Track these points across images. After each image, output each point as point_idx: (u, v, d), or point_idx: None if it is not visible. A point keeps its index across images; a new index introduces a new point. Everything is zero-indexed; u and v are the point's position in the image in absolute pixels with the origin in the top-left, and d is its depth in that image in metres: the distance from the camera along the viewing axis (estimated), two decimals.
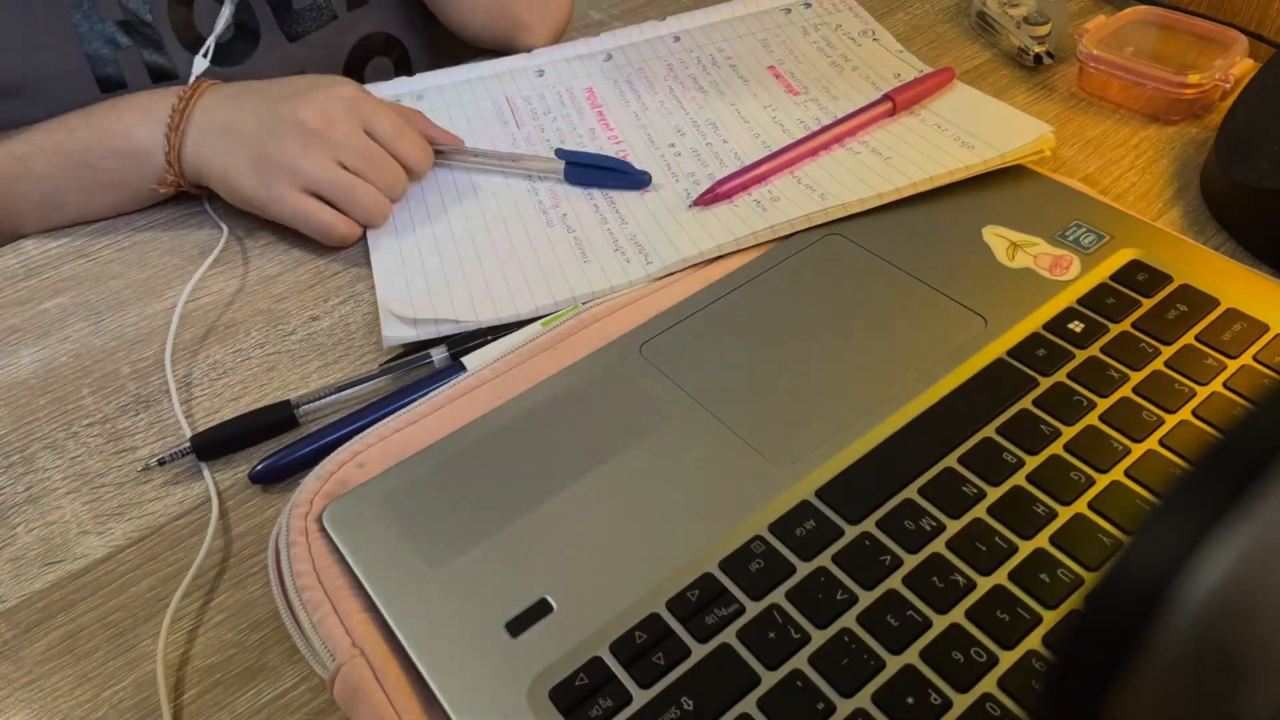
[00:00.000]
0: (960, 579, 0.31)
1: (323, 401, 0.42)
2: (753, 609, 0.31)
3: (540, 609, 0.31)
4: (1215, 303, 0.39)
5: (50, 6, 0.52)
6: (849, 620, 0.30)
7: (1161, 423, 0.35)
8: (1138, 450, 0.34)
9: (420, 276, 0.47)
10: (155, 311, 0.48)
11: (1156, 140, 0.53)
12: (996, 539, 0.32)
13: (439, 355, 0.43)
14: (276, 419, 0.41)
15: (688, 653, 0.30)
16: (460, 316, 0.44)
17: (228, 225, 0.52)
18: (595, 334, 0.41)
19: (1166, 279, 0.41)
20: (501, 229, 0.49)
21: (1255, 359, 0.37)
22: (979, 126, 0.50)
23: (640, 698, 0.29)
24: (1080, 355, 0.38)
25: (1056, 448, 0.35)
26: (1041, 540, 0.32)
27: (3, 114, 0.53)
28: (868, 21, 0.62)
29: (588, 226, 0.48)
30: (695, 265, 0.45)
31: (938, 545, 0.32)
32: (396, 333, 0.44)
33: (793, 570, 0.32)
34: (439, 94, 0.59)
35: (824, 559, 0.32)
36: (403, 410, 0.39)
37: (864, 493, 0.34)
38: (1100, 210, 0.45)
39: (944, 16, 0.65)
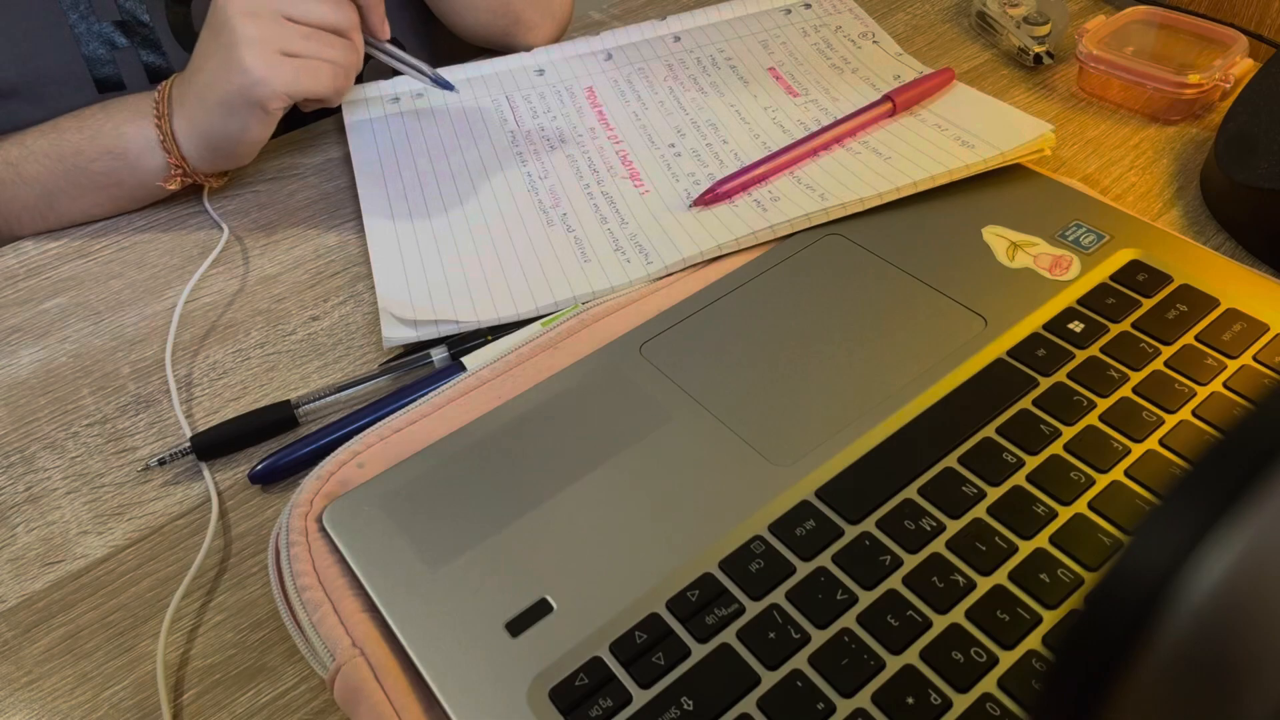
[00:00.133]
0: (960, 579, 0.31)
1: (323, 401, 0.42)
2: (753, 609, 0.31)
3: (540, 609, 0.31)
4: (1215, 303, 0.39)
5: (47, 8, 0.52)
6: (849, 620, 0.30)
7: (1161, 423, 0.35)
8: (1138, 450, 0.34)
9: (420, 277, 0.47)
10: (155, 311, 0.48)
11: (1156, 140, 0.53)
12: (996, 539, 0.32)
13: (439, 355, 0.43)
14: (276, 419, 0.41)
15: (688, 653, 0.30)
16: (460, 317, 0.44)
17: (228, 225, 0.52)
18: (595, 334, 0.41)
19: (1166, 279, 0.41)
20: (501, 229, 0.49)
21: (1255, 359, 0.37)
22: (979, 126, 0.50)
23: (640, 698, 0.29)
24: (1080, 355, 0.38)
25: (1056, 448, 0.35)
26: (1041, 540, 0.32)
27: (1, 115, 0.53)
28: (868, 24, 0.62)
29: (588, 226, 0.48)
30: (695, 265, 0.45)
31: (938, 545, 0.32)
32: (396, 333, 0.44)
33: (793, 570, 0.32)
34: (439, 93, 0.59)
35: (824, 559, 0.32)
36: (403, 410, 0.39)
37: (864, 493, 0.34)
38: (1100, 210, 0.45)
39: (944, 17, 0.65)
